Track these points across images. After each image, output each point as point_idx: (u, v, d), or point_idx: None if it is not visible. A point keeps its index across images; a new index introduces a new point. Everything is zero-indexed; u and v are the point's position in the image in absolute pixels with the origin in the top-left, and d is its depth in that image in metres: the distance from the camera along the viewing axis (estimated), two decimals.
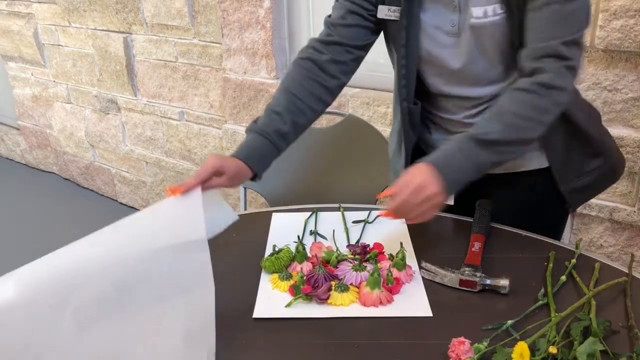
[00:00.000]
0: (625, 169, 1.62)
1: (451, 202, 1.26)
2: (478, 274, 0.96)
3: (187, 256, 0.86)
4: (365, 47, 1.16)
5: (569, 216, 1.77)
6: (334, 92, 1.16)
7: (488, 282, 0.95)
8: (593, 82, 1.62)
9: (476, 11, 1.01)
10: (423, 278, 1.00)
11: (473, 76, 1.09)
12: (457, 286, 0.96)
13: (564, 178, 1.16)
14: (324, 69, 1.12)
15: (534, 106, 0.97)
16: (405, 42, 1.08)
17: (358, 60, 1.17)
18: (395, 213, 0.97)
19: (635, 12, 1.49)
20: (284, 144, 1.09)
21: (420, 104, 1.17)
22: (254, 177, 1.07)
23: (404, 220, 1.19)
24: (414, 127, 1.20)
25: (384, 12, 1.09)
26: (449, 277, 0.97)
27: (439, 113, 1.19)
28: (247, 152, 1.05)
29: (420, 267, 1.01)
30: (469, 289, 0.96)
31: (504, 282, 0.94)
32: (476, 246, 1.05)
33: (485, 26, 1.02)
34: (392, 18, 1.08)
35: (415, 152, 1.25)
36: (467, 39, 1.05)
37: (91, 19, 3.00)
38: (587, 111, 1.19)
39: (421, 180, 0.94)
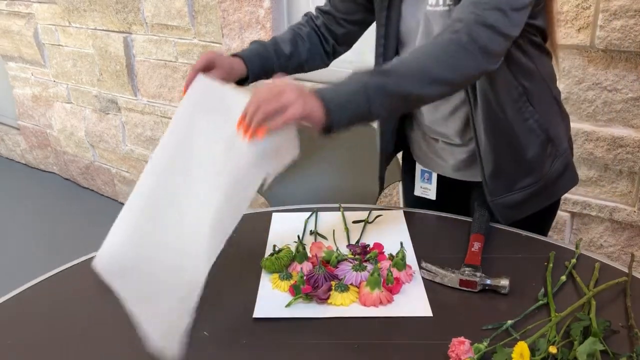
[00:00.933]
0: (626, 168, 1.63)
1: (432, 196, 1.27)
2: (478, 274, 0.96)
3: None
4: (357, 23, 1.21)
5: (569, 216, 1.78)
6: (329, 53, 1.24)
7: (488, 282, 0.95)
8: (593, 82, 1.62)
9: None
10: (423, 278, 1.00)
11: None
12: (457, 286, 0.96)
13: (492, 191, 1.15)
14: (319, 30, 1.22)
15: (447, 39, 0.87)
16: (385, 21, 1.12)
17: (349, 36, 1.23)
18: (245, 112, 0.83)
19: (635, 12, 1.49)
20: (283, 59, 1.15)
21: None
22: (246, 79, 1.10)
23: (404, 220, 1.19)
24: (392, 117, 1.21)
25: None
26: (449, 277, 0.97)
27: None
28: (242, 52, 1.10)
29: (420, 267, 1.01)
30: (469, 289, 0.96)
31: (504, 282, 0.94)
32: (476, 246, 1.05)
33: (435, 15, 1.03)
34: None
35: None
36: (421, 28, 1.07)
37: (91, 19, 3.00)
38: (534, 127, 1.10)
39: (283, 86, 0.82)
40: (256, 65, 1.10)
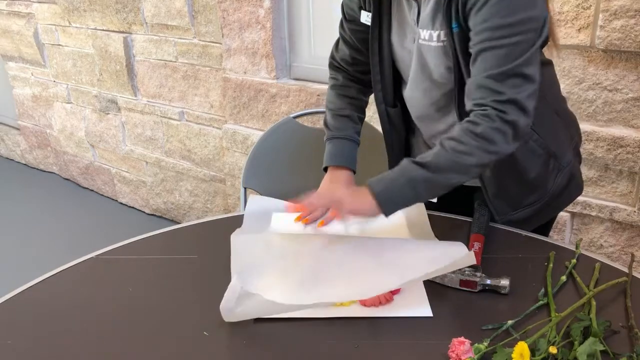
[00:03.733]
0: (626, 169, 1.63)
1: (434, 199, 1.28)
2: (478, 274, 0.96)
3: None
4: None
5: (569, 216, 1.78)
6: (369, 91, 1.29)
7: (488, 282, 0.95)
8: (593, 82, 1.62)
9: (423, 33, 1.05)
10: None
11: (417, 94, 1.14)
12: (458, 286, 0.96)
13: (498, 211, 1.17)
14: (356, 78, 1.27)
15: (473, 133, 0.97)
16: (377, 50, 1.15)
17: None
18: (305, 205, 1.05)
19: (636, 12, 1.49)
20: (359, 138, 1.28)
21: (399, 107, 1.22)
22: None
23: (404, 220, 1.19)
24: (394, 128, 1.25)
25: (364, 17, 1.14)
26: (449, 277, 0.97)
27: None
28: (347, 159, 1.23)
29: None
30: (469, 289, 0.96)
31: (504, 282, 0.94)
32: (476, 246, 1.05)
33: (429, 49, 1.06)
34: (368, 24, 1.13)
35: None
36: (414, 59, 1.09)
37: (91, 19, 3.00)
38: (534, 147, 1.11)
39: (341, 194, 1.04)
40: (355, 164, 1.25)
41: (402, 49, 1.12)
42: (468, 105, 1.00)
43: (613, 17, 1.52)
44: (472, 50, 0.97)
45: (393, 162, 1.30)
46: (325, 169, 1.25)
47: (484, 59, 0.95)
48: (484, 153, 0.97)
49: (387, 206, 0.98)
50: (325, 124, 1.28)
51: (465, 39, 0.99)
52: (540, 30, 0.96)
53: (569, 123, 1.22)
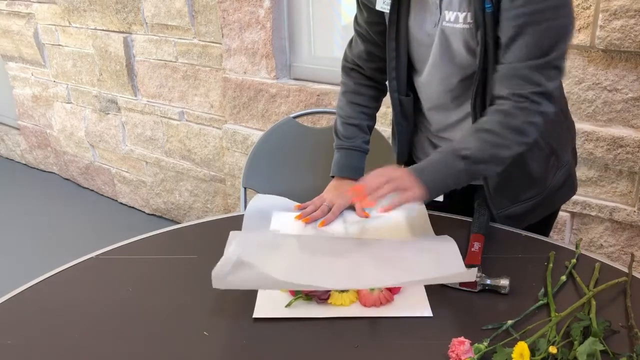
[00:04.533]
0: (626, 168, 1.63)
1: (440, 198, 1.28)
2: (478, 274, 0.96)
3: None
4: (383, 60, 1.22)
5: (569, 216, 1.78)
6: (384, 90, 1.31)
7: (488, 282, 0.95)
8: (593, 82, 1.62)
9: (448, 15, 1.04)
10: None
11: (435, 80, 1.13)
12: (457, 286, 0.96)
13: (497, 204, 1.18)
14: (369, 78, 1.27)
15: (510, 127, 1.00)
16: (395, 36, 1.13)
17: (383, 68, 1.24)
18: (365, 189, 1.01)
19: (635, 12, 1.49)
20: (368, 148, 1.29)
21: (412, 96, 1.20)
22: None
23: (405, 221, 1.19)
24: (406, 118, 1.24)
25: (380, 4, 1.12)
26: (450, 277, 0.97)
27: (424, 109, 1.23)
28: (353, 170, 1.25)
29: None
30: (469, 289, 0.96)
31: (504, 282, 0.94)
32: (476, 246, 1.05)
33: (454, 32, 1.04)
34: (385, 11, 1.11)
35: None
36: (436, 43, 1.08)
37: (91, 19, 3.00)
38: (538, 139, 1.11)
39: (396, 172, 1.02)
40: (362, 174, 1.23)
41: (421, 33, 1.10)
42: (500, 90, 1.01)
43: (613, 17, 1.52)
44: (507, 33, 0.97)
45: (400, 157, 1.31)
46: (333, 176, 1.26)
47: (523, 45, 0.96)
48: (519, 146, 1.02)
49: (431, 195, 1.03)
50: (335, 131, 1.29)
51: (495, 21, 0.98)
52: (571, 16, 0.97)
53: (570, 124, 1.23)
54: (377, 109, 1.31)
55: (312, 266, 0.98)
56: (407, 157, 1.32)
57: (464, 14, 1.02)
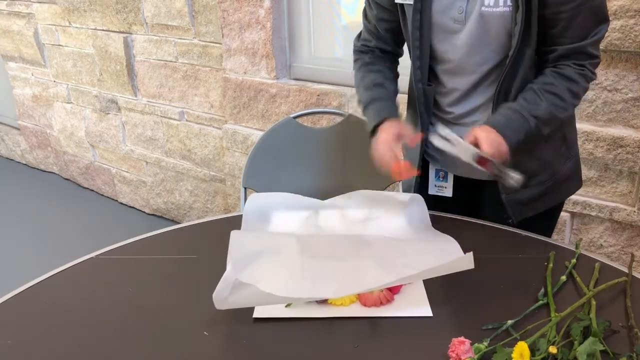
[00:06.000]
0: (626, 168, 1.63)
1: (449, 194, 1.28)
2: (496, 161, 0.95)
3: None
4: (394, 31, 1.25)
5: (569, 216, 1.78)
6: (398, 61, 1.33)
7: (502, 168, 0.93)
8: (593, 82, 1.61)
9: (487, 0, 1.04)
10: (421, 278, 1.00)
11: (470, 66, 1.13)
12: (472, 161, 0.94)
13: (506, 187, 1.17)
14: (381, 55, 1.29)
15: (572, 92, 1.07)
16: (419, 25, 1.13)
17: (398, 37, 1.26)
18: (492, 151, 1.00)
19: (635, 12, 1.49)
20: (398, 105, 1.25)
21: (433, 86, 1.20)
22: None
23: (404, 218, 1.19)
24: (428, 109, 1.23)
25: None
26: (466, 149, 0.95)
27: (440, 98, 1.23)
28: (389, 112, 1.19)
29: (432, 132, 0.98)
30: (482, 168, 0.95)
31: (517, 175, 0.93)
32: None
33: (493, 16, 1.05)
34: (408, 2, 1.12)
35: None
36: (472, 28, 1.07)
37: (91, 19, 3.00)
38: (556, 129, 1.15)
39: (491, 135, 1.02)
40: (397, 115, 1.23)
41: (446, 19, 1.10)
42: (563, 62, 1.07)
43: (613, 17, 1.52)
44: (563, 14, 1.01)
45: (413, 152, 1.29)
46: (373, 132, 1.21)
47: (581, 24, 1.02)
48: (573, 109, 1.11)
49: (513, 149, 1.04)
50: (359, 101, 1.27)
51: (541, 3, 1.01)
52: None
53: (575, 123, 1.25)
54: (397, 76, 1.31)
55: (313, 273, 0.97)
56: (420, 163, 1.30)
57: None
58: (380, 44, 1.26)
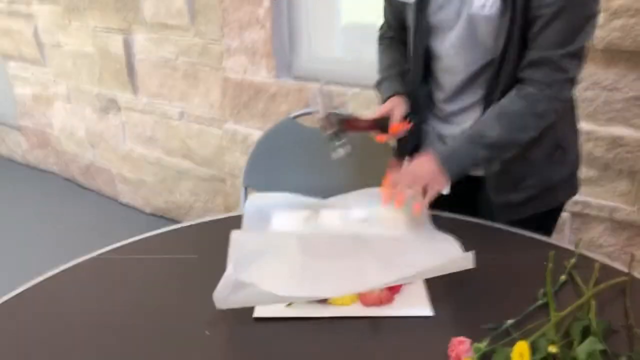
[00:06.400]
0: (626, 168, 1.63)
1: (447, 191, 1.28)
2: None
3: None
4: None
5: (569, 216, 1.77)
6: None
7: (333, 137, 1.08)
8: (593, 82, 1.62)
9: (477, 1, 1.05)
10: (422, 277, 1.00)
11: (458, 67, 1.15)
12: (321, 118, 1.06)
13: (496, 189, 1.19)
14: (399, 39, 1.31)
15: (532, 113, 1.05)
16: (416, 23, 1.16)
17: None
18: (394, 185, 1.07)
19: (636, 12, 1.49)
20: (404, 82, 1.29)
21: (428, 82, 1.24)
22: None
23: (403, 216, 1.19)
24: (422, 104, 1.26)
25: None
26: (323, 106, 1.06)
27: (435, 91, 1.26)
28: (390, 89, 1.25)
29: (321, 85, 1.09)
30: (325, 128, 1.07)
31: (342, 152, 1.09)
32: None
33: (480, 18, 1.06)
34: (408, 1, 1.15)
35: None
36: (460, 29, 1.10)
37: (91, 18, 3.00)
38: (545, 130, 1.13)
39: (424, 168, 1.08)
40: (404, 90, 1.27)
41: (441, 20, 1.13)
42: (529, 74, 1.04)
43: (613, 16, 1.52)
44: (540, 18, 1.00)
45: (401, 150, 1.33)
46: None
47: (556, 31, 0.99)
48: (537, 130, 1.08)
49: (453, 180, 1.09)
50: (376, 83, 1.33)
51: (525, 6, 1.00)
52: (598, 9, 1.01)
53: (577, 133, 1.24)
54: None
55: (314, 273, 0.97)
56: (413, 146, 1.33)
57: (492, 0, 1.04)
58: (396, 33, 1.31)
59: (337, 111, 1.12)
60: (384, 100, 1.25)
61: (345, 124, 1.12)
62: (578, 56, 1.02)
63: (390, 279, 0.92)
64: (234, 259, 0.99)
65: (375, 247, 1.06)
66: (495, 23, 1.05)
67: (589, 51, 1.58)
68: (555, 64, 1.01)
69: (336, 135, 1.10)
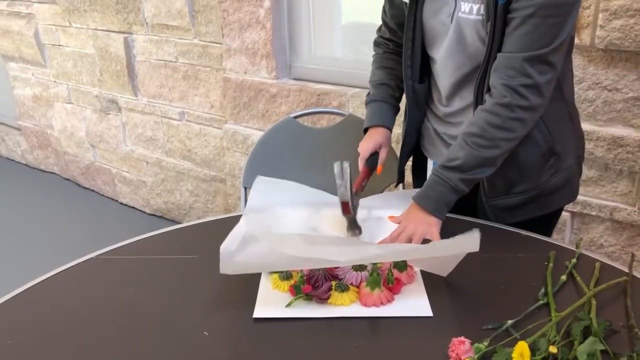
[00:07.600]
0: (626, 168, 1.63)
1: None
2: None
3: None
4: None
5: (569, 216, 1.78)
6: None
7: (352, 224, 1.10)
8: (593, 82, 1.62)
9: (464, 6, 1.07)
10: (422, 274, 1.00)
11: (448, 69, 1.16)
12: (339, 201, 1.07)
13: (488, 192, 1.19)
14: (395, 50, 1.33)
15: (495, 126, 1.04)
16: (412, 25, 1.17)
17: None
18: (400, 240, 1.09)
19: (636, 12, 1.49)
20: (398, 104, 1.34)
21: (427, 83, 1.26)
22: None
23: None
24: (418, 105, 1.28)
25: None
26: (343, 191, 1.06)
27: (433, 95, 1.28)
28: (382, 118, 1.29)
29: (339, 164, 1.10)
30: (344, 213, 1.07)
31: (357, 232, 1.10)
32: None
33: (468, 23, 1.07)
34: (406, 0, 1.16)
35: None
36: (451, 33, 1.11)
37: (92, 19, 3.00)
38: (537, 137, 1.13)
39: (408, 218, 1.12)
40: (392, 124, 1.32)
41: (436, 22, 1.14)
42: (493, 80, 1.05)
43: (613, 16, 1.52)
44: (511, 23, 1.00)
45: (405, 150, 1.34)
46: (366, 132, 1.31)
47: (521, 35, 1.00)
48: (507, 142, 1.06)
49: (442, 214, 1.11)
50: (367, 96, 1.35)
51: (506, 13, 1.01)
52: (574, 18, 1.00)
53: (578, 132, 1.24)
54: None
55: (323, 240, 1.02)
56: (414, 145, 1.35)
57: (478, 5, 1.05)
58: (394, 36, 1.31)
59: (355, 194, 1.13)
60: (370, 124, 1.29)
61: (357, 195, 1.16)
62: (542, 62, 1.00)
63: (396, 255, 0.95)
64: (244, 218, 1.02)
65: (375, 245, 1.06)
66: (480, 28, 1.06)
67: (587, 49, 1.59)
68: (517, 68, 1.01)
69: (354, 221, 1.11)
